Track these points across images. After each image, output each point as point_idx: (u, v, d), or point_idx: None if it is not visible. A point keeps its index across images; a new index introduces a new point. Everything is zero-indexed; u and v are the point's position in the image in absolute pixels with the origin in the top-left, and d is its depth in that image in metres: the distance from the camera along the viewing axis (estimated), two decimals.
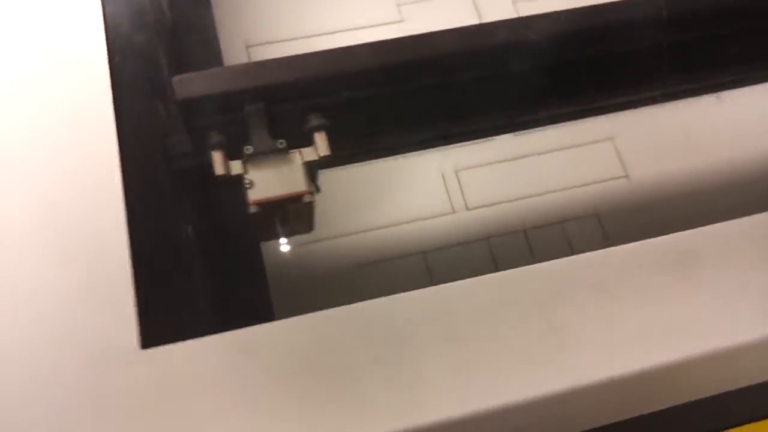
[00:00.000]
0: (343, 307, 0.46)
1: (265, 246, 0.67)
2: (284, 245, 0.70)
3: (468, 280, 0.47)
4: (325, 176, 0.61)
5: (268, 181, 0.57)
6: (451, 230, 0.74)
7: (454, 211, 0.75)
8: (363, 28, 0.84)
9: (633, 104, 0.70)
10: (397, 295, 0.47)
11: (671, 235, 0.49)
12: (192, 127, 0.59)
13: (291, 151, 0.58)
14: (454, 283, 0.47)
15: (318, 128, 0.58)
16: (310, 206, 0.59)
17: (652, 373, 0.44)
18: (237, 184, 0.57)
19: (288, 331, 0.45)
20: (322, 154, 0.58)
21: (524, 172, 0.77)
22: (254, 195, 0.56)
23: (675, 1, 0.63)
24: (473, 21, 0.84)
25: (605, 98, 0.68)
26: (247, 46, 0.83)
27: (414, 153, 0.73)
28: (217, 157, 0.57)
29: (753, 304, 0.46)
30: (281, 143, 0.58)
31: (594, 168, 0.77)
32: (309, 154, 0.58)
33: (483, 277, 0.48)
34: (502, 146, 0.78)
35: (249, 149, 0.57)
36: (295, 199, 0.57)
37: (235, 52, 0.82)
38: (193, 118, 0.59)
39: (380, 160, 0.74)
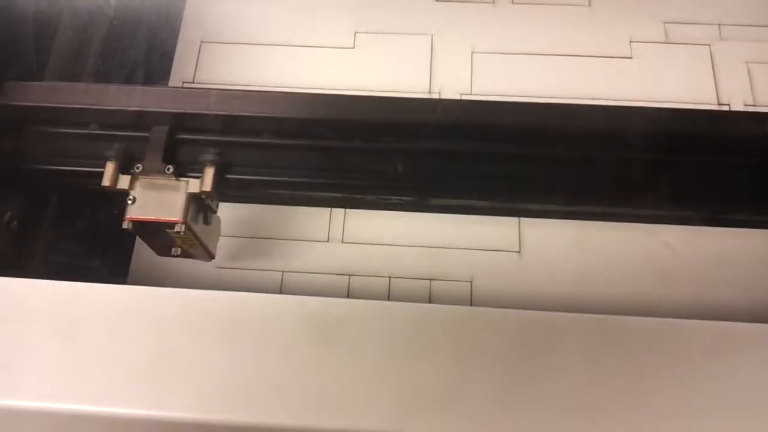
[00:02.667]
0: None
1: None
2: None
3: None
4: None
5: (148, 202, 0.60)
6: None
7: None
8: (315, 47, 0.85)
9: None
10: None
11: None
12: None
13: (181, 178, 0.60)
14: None
15: (208, 163, 0.61)
16: (191, 235, 0.61)
17: None
18: (117, 197, 0.60)
19: None
20: (204, 190, 0.60)
21: None
22: (131, 212, 0.59)
23: None
24: (425, 61, 0.85)
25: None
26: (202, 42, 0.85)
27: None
28: (109, 168, 0.60)
29: None
30: (169, 169, 0.60)
31: None
32: (193, 186, 0.60)
33: None
34: None
35: (138, 168, 0.60)
36: (168, 225, 0.59)
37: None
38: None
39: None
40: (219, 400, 0.41)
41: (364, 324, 0.43)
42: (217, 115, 0.60)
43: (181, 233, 0.59)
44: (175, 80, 0.84)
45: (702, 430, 0.40)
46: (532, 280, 0.75)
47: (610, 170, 0.63)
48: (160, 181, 0.60)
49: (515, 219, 0.77)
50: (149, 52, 0.80)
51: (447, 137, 0.61)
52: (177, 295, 0.44)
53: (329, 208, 0.78)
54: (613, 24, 0.86)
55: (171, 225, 0.59)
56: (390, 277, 0.76)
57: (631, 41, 0.85)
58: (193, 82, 0.84)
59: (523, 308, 0.70)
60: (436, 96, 0.83)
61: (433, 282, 0.75)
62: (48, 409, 0.41)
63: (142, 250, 0.75)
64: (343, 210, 0.78)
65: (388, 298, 0.75)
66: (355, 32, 0.86)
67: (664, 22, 0.86)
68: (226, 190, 0.63)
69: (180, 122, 0.61)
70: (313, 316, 0.43)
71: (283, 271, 0.76)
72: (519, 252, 0.76)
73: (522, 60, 0.85)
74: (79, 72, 0.75)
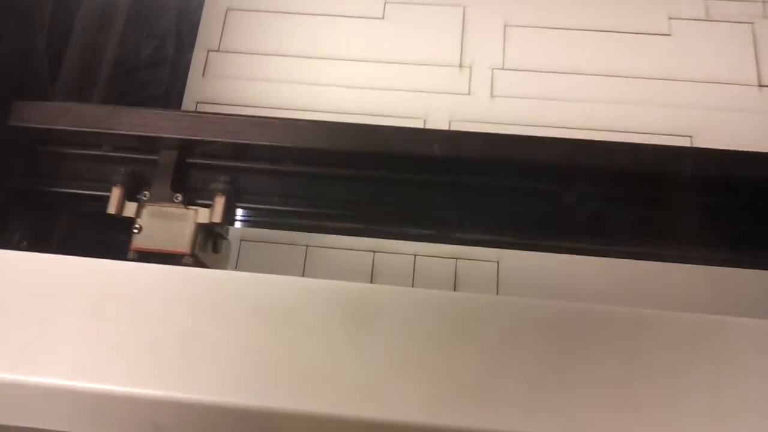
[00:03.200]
0: None
1: None
2: None
3: None
4: None
5: (155, 232, 0.57)
6: None
7: None
8: (343, 16, 0.83)
9: None
10: None
11: None
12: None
13: (190, 207, 0.58)
14: None
15: (219, 192, 0.58)
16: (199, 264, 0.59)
17: None
18: (124, 224, 0.57)
19: None
20: (214, 221, 0.57)
21: None
22: (137, 242, 0.56)
23: None
24: (456, 34, 0.82)
25: None
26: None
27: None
28: (115, 194, 0.57)
29: None
30: (177, 198, 0.57)
31: None
32: (203, 216, 0.57)
33: None
34: None
35: (146, 195, 0.58)
36: (175, 256, 0.57)
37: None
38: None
39: None
40: (246, 384, 0.40)
41: (397, 312, 0.41)
42: (233, 143, 0.57)
43: (189, 265, 0.56)
44: (200, 49, 0.82)
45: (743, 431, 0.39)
46: (559, 264, 0.74)
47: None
48: (168, 209, 0.57)
49: None
50: (179, 21, 0.79)
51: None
52: (207, 276, 0.43)
53: None
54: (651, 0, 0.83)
55: (178, 256, 0.57)
56: (415, 255, 0.75)
57: (669, 18, 0.82)
58: (218, 50, 0.82)
59: (550, 292, 0.68)
60: (467, 69, 0.81)
61: (458, 261, 0.74)
62: (73, 388, 0.41)
63: None
64: None
65: (413, 277, 0.74)
66: (385, 2, 0.84)
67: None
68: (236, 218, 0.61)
69: (191, 147, 0.58)
70: (347, 301, 0.42)
71: (307, 246, 0.75)
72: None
73: (556, 34, 0.82)
74: (105, 42, 0.74)
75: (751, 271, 0.63)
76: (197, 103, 0.80)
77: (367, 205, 0.60)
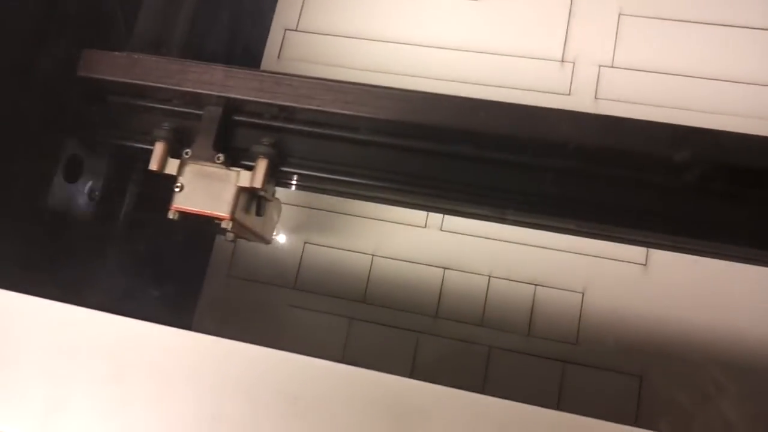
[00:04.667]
0: None
1: None
2: None
3: None
4: None
5: (196, 192, 0.53)
6: None
7: None
8: None
9: None
10: None
11: None
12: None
13: (232, 168, 0.53)
14: None
15: (262, 155, 0.53)
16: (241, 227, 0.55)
17: None
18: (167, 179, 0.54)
19: None
20: (255, 185, 0.52)
21: None
22: (178, 202, 0.53)
23: None
24: (561, 22, 0.72)
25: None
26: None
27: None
28: (157, 150, 0.54)
29: None
30: (218, 158, 0.53)
31: None
32: (244, 179, 0.53)
33: None
34: None
35: (188, 153, 0.54)
36: (216, 218, 0.53)
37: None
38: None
39: None
40: None
41: (448, 418, 0.36)
42: (298, 107, 0.52)
43: (229, 228, 0.53)
44: (277, 27, 0.76)
45: None
46: (658, 300, 0.65)
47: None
48: (210, 168, 0.53)
49: None
50: None
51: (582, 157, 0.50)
52: (237, 350, 0.38)
53: None
54: None
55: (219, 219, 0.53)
56: (490, 276, 0.68)
57: None
58: (296, 29, 0.76)
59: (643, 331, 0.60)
60: (569, 65, 0.71)
61: (537, 288, 0.67)
62: None
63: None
64: None
65: (485, 299, 0.67)
66: None
67: None
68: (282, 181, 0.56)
69: (236, 105, 0.54)
70: (388, 398, 0.37)
71: (373, 255, 0.70)
72: (645, 265, 0.66)
73: (676, 28, 0.71)
74: (176, 11, 0.68)
75: None
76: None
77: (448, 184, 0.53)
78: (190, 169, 0.53)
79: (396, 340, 0.67)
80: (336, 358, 0.41)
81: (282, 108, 0.52)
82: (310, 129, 0.53)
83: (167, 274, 0.66)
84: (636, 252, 0.66)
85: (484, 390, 0.64)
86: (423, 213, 0.70)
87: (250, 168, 0.53)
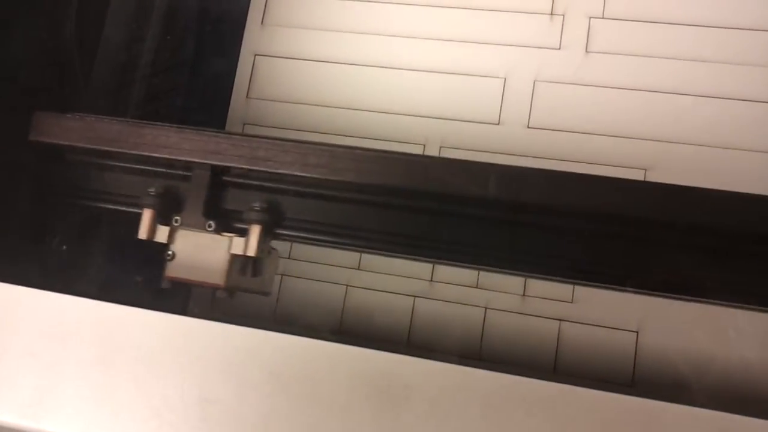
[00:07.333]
0: None
1: None
2: None
3: None
4: None
5: (188, 261, 0.52)
6: None
7: None
8: None
9: None
10: None
11: None
12: None
13: (224, 234, 0.52)
14: None
15: (254, 222, 0.52)
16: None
17: None
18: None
19: None
20: (249, 253, 0.51)
21: None
22: (170, 271, 0.52)
23: None
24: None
25: None
26: None
27: None
28: (146, 218, 0.53)
29: None
30: (210, 225, 0.53)
31: None
32: (237, 246, 0.52)
33: None
34: None
35: (177, 221, 0.53)
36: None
37: None
38: None
39: None
40: None
41: (434, 392, 0.36)
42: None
43: (224, 295, 0.52)
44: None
45: None
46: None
47: None
48: (201, 236, 0.52)
49: None
50: None
51: None
52: (223, 332, 0.39)
53: None
54: None
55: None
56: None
57: None
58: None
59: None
60: (558, 18, 0.69)
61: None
62: None
63: None
64: None
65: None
66: None
67: None
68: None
69: (225, 170, 0.53)
70: (373, 373, 0.37)
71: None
72: None
73: None
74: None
75: None
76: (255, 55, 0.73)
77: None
78: (181, 236, 0.52)
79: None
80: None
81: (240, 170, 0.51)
82: (299, 189, 0.52)
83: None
84: None
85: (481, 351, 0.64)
86: None
87: (243, 232, 0.52)
